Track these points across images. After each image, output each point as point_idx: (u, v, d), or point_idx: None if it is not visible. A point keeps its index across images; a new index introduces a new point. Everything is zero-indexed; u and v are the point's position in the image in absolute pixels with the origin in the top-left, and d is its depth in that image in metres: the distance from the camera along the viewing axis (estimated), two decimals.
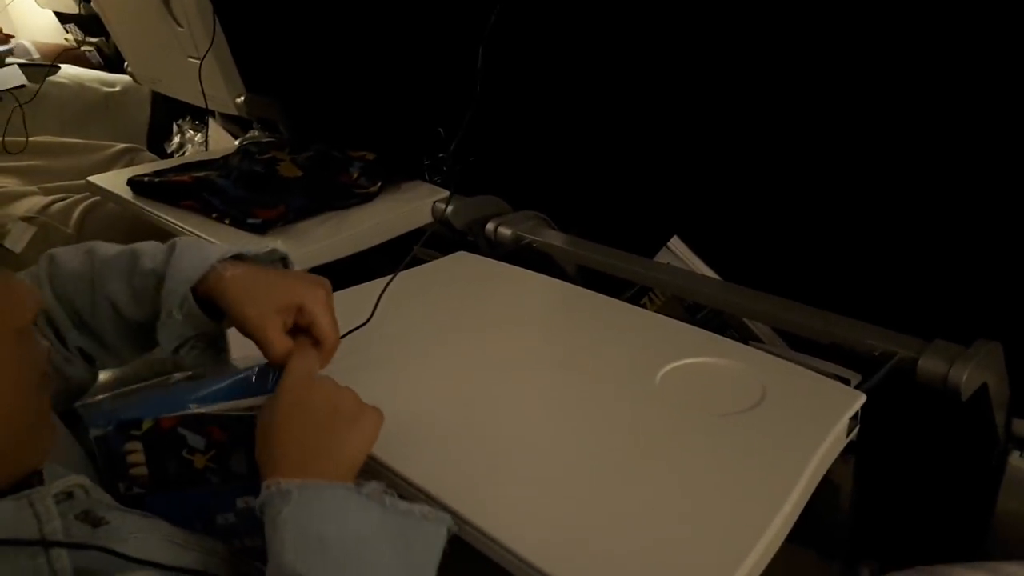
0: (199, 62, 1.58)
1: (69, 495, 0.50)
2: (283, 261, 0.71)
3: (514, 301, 0.90)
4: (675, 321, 0.83)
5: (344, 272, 1.00)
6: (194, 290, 0.62)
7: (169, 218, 1.20)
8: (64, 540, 0.46)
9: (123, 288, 0.64)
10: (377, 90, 1.45)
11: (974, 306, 0.85)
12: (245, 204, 1.17)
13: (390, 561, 0.48)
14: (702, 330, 0.80)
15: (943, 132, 0.82)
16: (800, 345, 0.91)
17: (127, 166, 1.77)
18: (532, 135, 1.23)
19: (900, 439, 0.86)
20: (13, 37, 2.27)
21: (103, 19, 1.90)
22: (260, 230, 1.12)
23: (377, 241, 1.19)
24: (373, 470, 0.59)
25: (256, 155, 1.34)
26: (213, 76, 1.62)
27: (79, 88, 2.06)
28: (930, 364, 0.74)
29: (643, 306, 1.06)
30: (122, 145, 1.90)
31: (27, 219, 1.54)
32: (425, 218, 1.24)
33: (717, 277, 1.04)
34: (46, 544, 0.45)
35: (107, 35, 2.24)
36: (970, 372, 0.72)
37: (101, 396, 0.60)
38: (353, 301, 0.81)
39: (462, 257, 1.02)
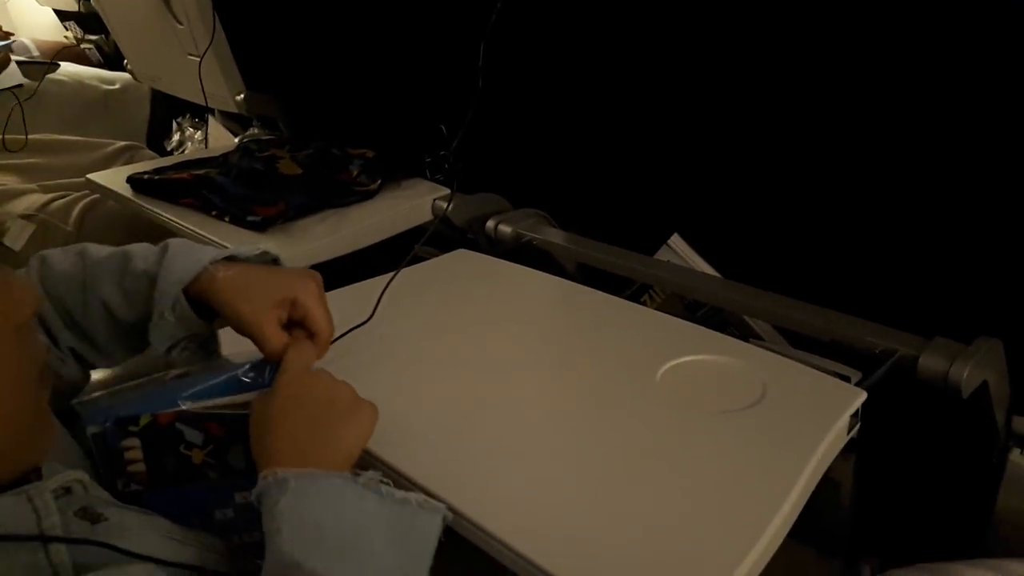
0: (199, 60, 1.58)
1: (67, 490, 0.50)
2: (274, 262, 0.71)
3: (514, 299, 0.90)
4: (675, 319, 0.83)
5: (344, 270, 1.00)
6: (186, 291, 0.62)
7: (169, 216, 1.20)
8: (63, 535, 0.46)
9: (115, 289, 0.64)
10: (377, 88, 1.45)
11: (974, 304, 0.85)
12: (245, 202, 1.17)
13: (386, 550, 0.48)
14: (702, 327, 0.80)
15: (943, 130, 0.82)
16: (800, 342, 0.91)
17: (127, 164, 1.77)
18: (532, 133, 1.23)
19: (901, 437, 0.86)
20: (12, 35, 2.27)
21: (103, 17, 1.90)
22: (260, 228, 1.12)
23: (377, 239, 1.19)
24: (370, 464, 0.59)
25: (256, 153, 1.34)
26: (213, 74, 1.62)
27: (79, 86, 2.06)
28: (931, 362, 0.74)
29: (643, 304, 1.05)
30: (122, 143, 1.90)
31: (26, 217, 1.54)
32: (425, 216, 1.24)
33: (717, 275, 1.04)
34: (45, 539, 0.45)
35: (107, 33, 2.24)
36: (970, 370, 0.72)
37: (98, 393, 0.60)
38: (353, 299, 0.81)
39: (462, 255, 1.02)
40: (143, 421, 0.58)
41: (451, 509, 0.53)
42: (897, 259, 0.91)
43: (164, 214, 1.20)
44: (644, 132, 1.10)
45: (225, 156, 1.38)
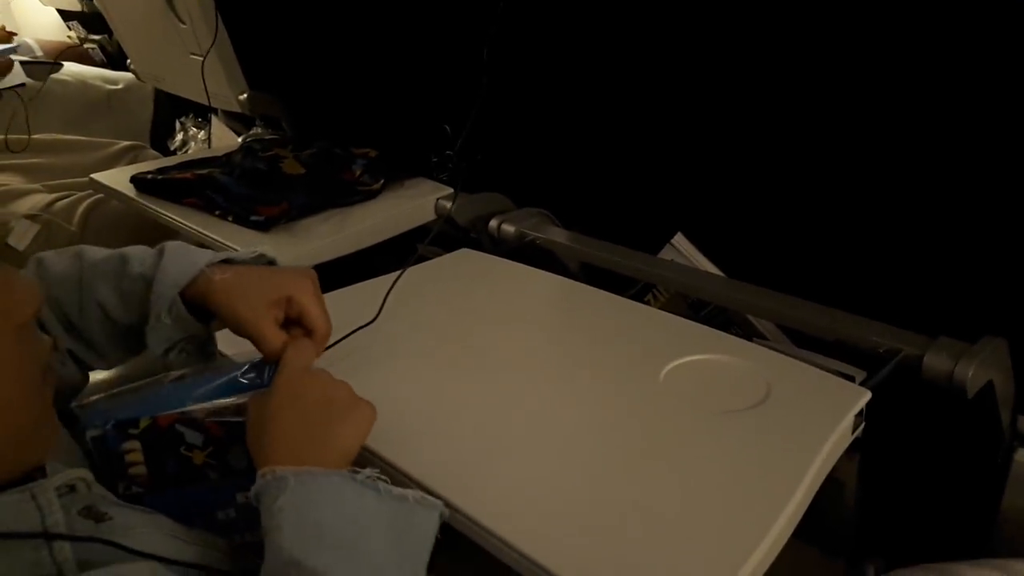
0: (202, 59, 1.58)
1: (71, 488, 0.50)
2: (271, 264, 0.71)
3: (517, 298, 0.90)
4: (679, 318, 0.83)
5: (347, 270, 1.00)
6: (182, 294, 0.62)
7: (172, 215, 1.20)
8: (67, 533, 0.46)
9: (111, 292, 0.64)
10: (380, 87, 1.45)
11: (979, 303, 0.85)
12: (248, 201, 1.17)
13: (385, 546, 0.49)
14: (706, 327, 0.80)
15: (948, 129, 0.82)
16: (805, 342, 0.90)
17: (130, 163, 1.77)
18: (535, 132, 1.23)
19: (905, 436, 0.86)
20: (16, 35, 2.27)
21: (106, 16, 1.90)
22: (263, 227, 1.12)
23: (380, 239, 1.19)
24: (368, 461, 0.59)
25: (259, 152, 1.34)
26: (216, 73, 1.62)
27: (82, 86, 2.06)
28: (935, 361, 0.74)
29: (647, 303, 1.05)
30: (125, 143, 1.90)
31: (31, 217, 1.55)
32: (428, 215, 1.24)
33: (721, 274, 1.03)
34: (49, 537, 0.45)
35: (110, 32, 2.24)
36: (975, 369, 0.72)
37: (96, 396, 0.60)
38: (357, 298, 0.81)
39: (465, 254, 1.02)
40: (143, 424, 0.58)
41: (448, 506, 0.53)
42: (901, 258, 0.90)
43: (167, 214, 1.21)
44: (647, 131, 1.10)
45: (228, 156, 1.38)
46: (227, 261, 0.66)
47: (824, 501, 0.60)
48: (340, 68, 1.51)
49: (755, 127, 0.98)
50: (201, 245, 0.84)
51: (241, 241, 1.08)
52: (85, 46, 2.39)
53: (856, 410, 0.64)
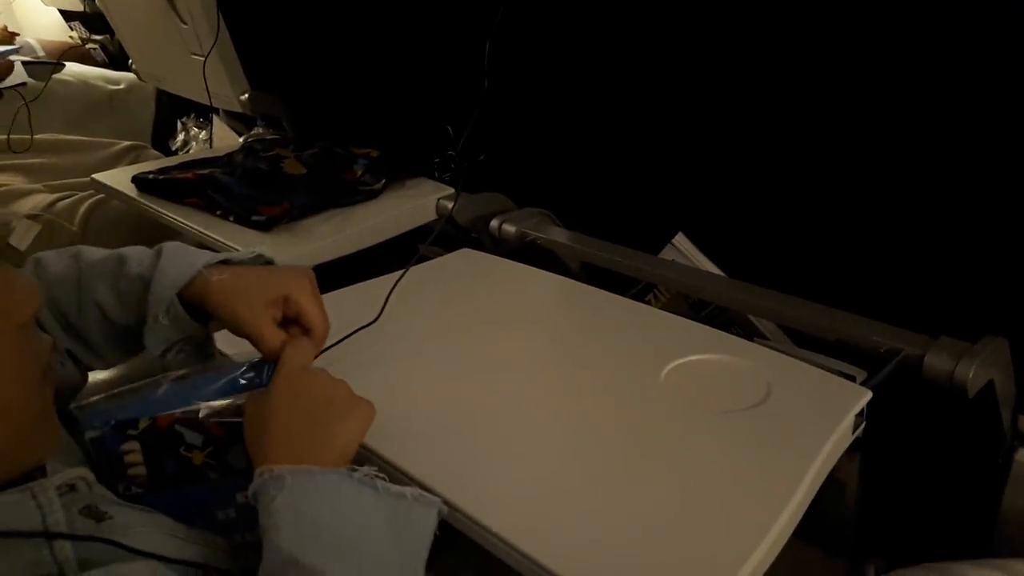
0: (203, 59, 1.58)
1: (72, 487, 0.51)
2: (269, 264, 0.71)
3: (518, 298, 0.90)
4: (680, 318, 0.83)
5: (348, 269, 1.00)
6: (180, 295, 0.63)
7: (173, 215, 1.20)
8: (67, 532, 0.46)
9: (109, 292, 0.65)
10: (381, 87, 1.45)
11: (980, 303, 0.85)
12: (249, 201, 1.17)
13: (384, 544, 0.49)
14: (707, 327, 0.80)
15: (949, 129, 0.82)
16: (805, 342, 0.90)
17: (132, 164, 1.77)
18: (536, 132, 1.23)
19: (906, 436, 0.86)
20: (18, 35, 2.28)
21: (107, 17, 1.91)
22: (264, 227, 1.12)
23: (381, 238, 1.19)
24: (366, 459, 0.59)
25: (260, 152, 1.34)
26: (217, 73, 1.62)
27: (84, 86, 2.07)
28: (936, 361, 0.74)
29: (648, 303, 1.05)
30: (127, 143, 1.90)
31: (32, 217, 1.55)
32: (429, 215, 1.24)
33: (722, 274, 1.03)
34: (50, 536, 0.45)
35: (112, 33, 2.25)
36: (976, 369, 0.71)
37: (95, 397, 0.60)
38: (359, 298, 0.81)
39: (466, 254, 1.02)
40: (142, 424, 0.58)
41: (447, 503, 0.53)
42: (902, 258, 0.90)
43: (169, 214, 1.21)
44: (648, 131, 1.10)
45: (229, 156, 1.38)
46: (225, 262, 0.66)
47: (825, 501, 0.60)
48: (341, 68, 1.51)
49: (756, 128, 0.98)
50: (202, 245, 0.84)
51: (242, 241, 1.08)
52: (87, 46, 2.40)
53: (857, 410, 0.64)
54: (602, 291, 0.89)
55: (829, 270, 0.94)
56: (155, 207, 1.24)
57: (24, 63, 1.94)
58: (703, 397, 0.67)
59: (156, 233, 1.08)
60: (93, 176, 1.40)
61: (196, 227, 1.15)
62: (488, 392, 0.69)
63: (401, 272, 0.81)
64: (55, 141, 1.83)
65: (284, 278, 0.65)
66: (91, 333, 0.66)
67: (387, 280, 0.81)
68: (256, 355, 0.63)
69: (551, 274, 0.94)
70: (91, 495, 0.52)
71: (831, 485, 0.61)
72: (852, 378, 0.73)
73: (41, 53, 2.19)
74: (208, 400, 0.59)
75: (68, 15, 2.52)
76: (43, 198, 1.61)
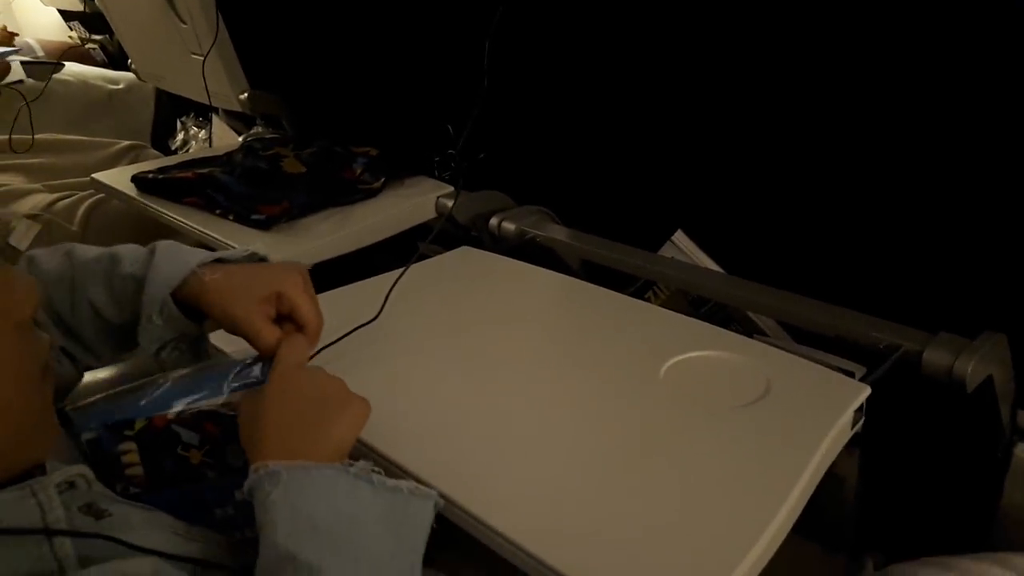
0: (203, 59, 1.58)
1: (71, 485, 0.51)
2: (263, 261, 0.71)
3: (517, 296, 0.90)
4: (679, 315, 0.83)
5: (348, 268, 1.00)
6: (174, 294, 0.63)
7: (173, 215, 1.20)
8: (68, 528, 0.46)
9: (103, 291, 0.65)
10: (380, 86, 1.45)
11: (979, 299, 0.85)
12: (249, 200, 1.17)
13: (380, 538, 0.49)
14: (706, 324, 0.80)
15: (948, 125, 0.82)
16: (805, 338, 0.90)
17: (131, 163, 1.77)
18: (536, 130, 1.23)
19: (905, 432, 0.86)
20: (17, 35, 2.28)
21: (107, 16, 1.91)
22: (264, 226, 1.12)
23: (381, 237, 1.19)
24: (365, 455, 0.59)
25: (260, 151, 1.35)
26: (216, 73, 1.62)
27: (83, 86, 2.07)
28: (935, 356, 0.74)
29: (647, 300, 1.05)
30: (126, 142, 1.90)
31: (32, 216, 1.55)
32: (429, 214, 1.24)
33: (721, 271, 1.03)
34: (50, 532, 0.45)
35: (111, 32, 2.25)
36: (975, 364, 0.72)
37: (90, 399, 0.60)
38: (358, 296, 0.81)
39: (466, 252, 1.02)
40: (138, 425, 0.58)
41: (443, 497, 0.53)
42: (901, 255, 0.91)
43: (168, 213, 1.21)
44: (647, 129, 1.10)
45: (229, 155, 1.38)
46: (219, 260, 0.66)
47: (825, 497, 0.60)
48: (341, 67, 1.51)
49: (755, 124, 0.98)
50: (202, 244, 0.84)
51: (242, 240, 1.08)
52: (86, 46, 2.40)
53: (856, 405, 0.65)
54: (602, 288, 0.89)
55: (828, 267, 0.94)
56: (155, 206, 1.24)
57: (24, 63, 1.94)
58: (702, 393, 0.68)
59: (156, 232, 1.08)
60: (93, 176, 1.40)
61: (196, 226, 1.15)
62: (487, 389, 0.69)
63: (401, 270, 0.81)
64: (55, 141, 1.83)
65: (275, 274, 0.65)
66: (85, 331, 0.66)
67: (387, 278, 0.81)
68: (252, 352, 0.63)
69: (550, 272, 0.94)
70: (91, 493, 0.52)
71: (831, 481, 0.61)
72: (851, 374, 0.73)
73: (41, 53, 2.19)
74: (204, 399, 0.59)
75: (67, 15, 2.52)
76: (43, 198, 1.61)
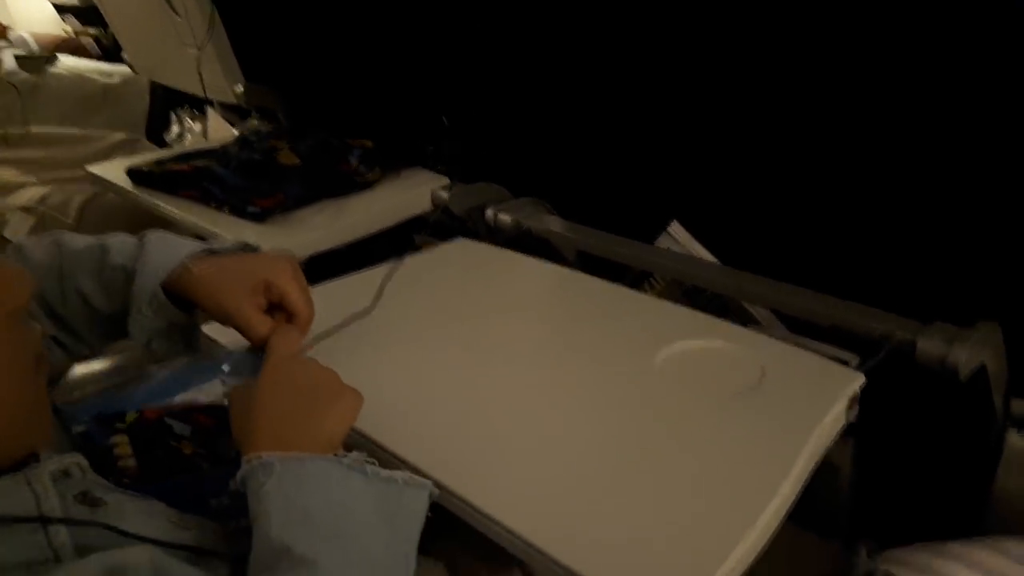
0: (197, 51, 1.57)
1: (66, 473, 0.50)
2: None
3: (513, 287, 0.90)
4: (675, 305, 0.83)
5: (344, 260, 1.00)
6: (164, 285, 0.63)
7: (168, 207, 1.20)
8: (63, 516, 0.46)
9: (92, 282, 0.65)
10: (376, 78, 1.45)
11: (973, 288, 0.85)
12: (244, 193, 1.17)
13: (375, 528, 0.49)
14: (701, 313, 0.81)
15: (940, 115, 0.82)
16: (799, 328, 0.91)
17: (126, 156, 1.77)
18: (531, 122, 1.23)
19: (899, 420, 0.86)
20: (11, 28, 2.27)
21: (101, 9, 1.90)
22: (259, 218, 1.12)
23: (376, 229, 1.19)
24: (359, 445, 0.59)
25: (255, 144, 1.35)
26: (211, 65, 1.62)
27: (78, 79, 2.06)
28: (929, 345, 0.74)
29: (643, 291, 1.06)
30: (121, 135, 1.90)
31: (26, 210, 1.55)
32: (424, 205, 1.24)
33: (716, 261, 1.04)
34: (45, 520, 0.45)
35: (105, 25, 2.24)
36: (968, 353, 0.72)
37: (80, 392, 0.60)
38: (353, 288, 0.81)
39: (461, 244, 1.02)
40: (129, 418, 0.58)
41: (439, 486, 0.53)
42: (895, 244, 0.91)
43: (164, 206, 1.21)
44: (642, 120, 1.10)
45: (224, 147, 1.38)
46: (209, 251, 0.66)
47: (819, 485, 0.60)
48: (336, 59, 1.50)
49: (750, 116, 0.98)
50: (198, 237, 0.84)
51: (237, 232, 1.08)
52: (80, 39, 2.39)
53: (850, 394, 0.65)
54: (597, 279, 0.89)
55: (822, 257, 0.94)
56: (150, 199, 1.24)
57: (17, 57, 1.93)
58: (698, 382, 0.68)
59: (151, 225, 1.07)
60: (88, 168, 1.40)
61: (191, 219, 1.15)
62: (482, 379, 0.69)
63: (396, 262, 0.81)
64: (49, 134, 1.82)
65: (264, 263, 0.65)
66: (75, 320, 0.66)
67: (382, 270, 0.81)
68: (244, 343, 0.63)
69: (546, 263, 0.95)
70: (85, 481, 0.52)
71: (825, 470, 0.62)
72: (845, 363, 0.73)
73: (34, 46, 2.18)
74: (196, 391, 0.59)
75: (61, 8, 2.51)
76: (37, 191, 1.61)
